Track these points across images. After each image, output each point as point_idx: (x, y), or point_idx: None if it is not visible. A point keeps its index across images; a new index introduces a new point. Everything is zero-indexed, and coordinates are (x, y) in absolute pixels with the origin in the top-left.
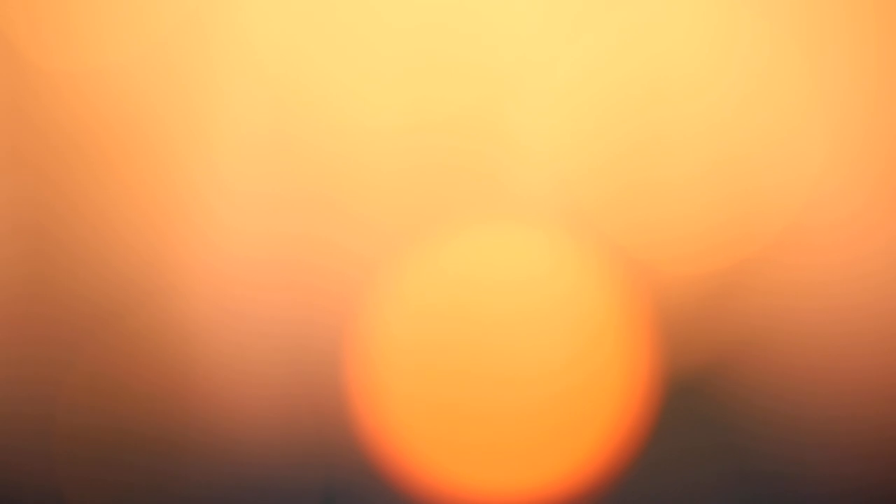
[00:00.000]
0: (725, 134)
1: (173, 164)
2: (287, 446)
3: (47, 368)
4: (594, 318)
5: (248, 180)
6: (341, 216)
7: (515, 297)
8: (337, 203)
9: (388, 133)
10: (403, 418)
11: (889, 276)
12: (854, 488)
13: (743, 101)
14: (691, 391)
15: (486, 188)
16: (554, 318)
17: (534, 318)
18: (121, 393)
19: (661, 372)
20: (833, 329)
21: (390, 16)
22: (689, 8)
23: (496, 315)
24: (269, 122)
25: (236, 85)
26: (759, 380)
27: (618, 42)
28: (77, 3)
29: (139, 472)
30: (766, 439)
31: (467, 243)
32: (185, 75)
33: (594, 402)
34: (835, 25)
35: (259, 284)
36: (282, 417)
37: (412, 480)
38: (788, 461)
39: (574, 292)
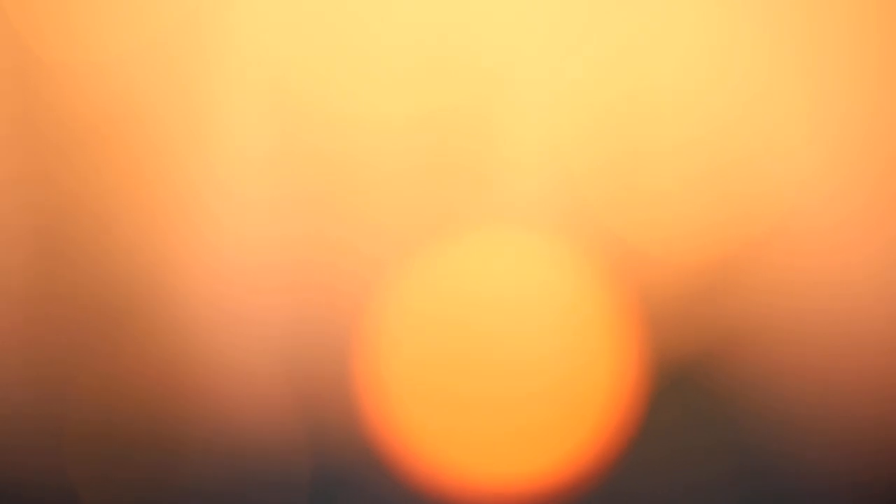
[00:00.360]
0: (716, 138)
1: (178, 163)
2: (293, 442)
3: (56, 368)
4: (590, 315)
5: (251, 181)
6: (344, 215)
7: (512, 296)
8: (339, 202)
9: (387, 134)
10: (404, 412)
11: (881, 275)
12: (846, 484)
13: (736, 107)
14: (684, 386)
15: (484, 188)
16: (550, 316)
17: (530, 316)
18: (131, 392)
19: (654, 368)
20: (825, 328)
21: (393, 21)
22: (686, 17)
23: (493, 314)
24: (271, 121)
25: (238, 82)
26: (752, 375)
27: (615, 50)
28: None
29: (150, 468)
30: (758, 434)
31: (465, 243)
32: (190, 76)
33: (588, 396)
34: (828, 34)
35: (262, 283)
36: (287, 414)
37: (415, 472)
38: (779, 456)
39: (570, 290)
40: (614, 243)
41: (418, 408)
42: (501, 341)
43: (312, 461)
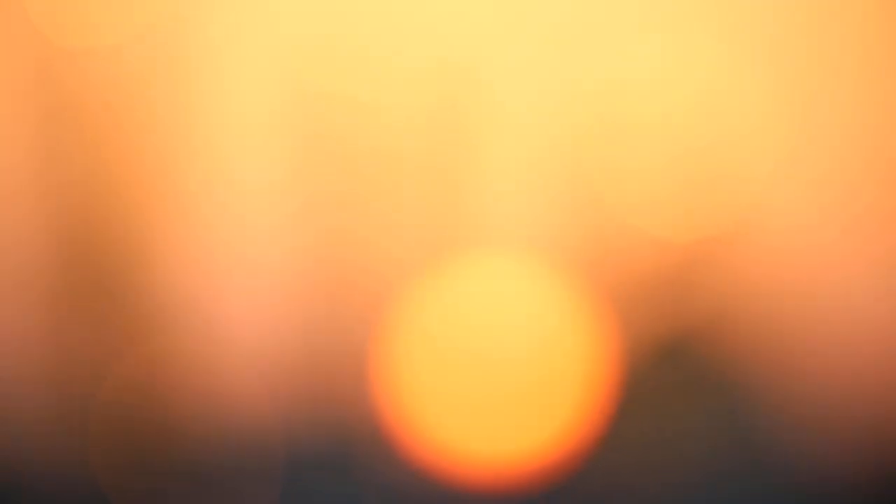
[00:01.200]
0: (701, 136)
1: (179, 166)
2: (307, 439)
3: (73, 368)
4: (578, 309)
5: (252, 180)
6: (344, 215)
7: (506, 293)
8: (339, 202)
9: (387, 134)
10: (410, 400)
11: (861, 273)
12: (835, 479)
13: (725, 112)
14: (667, 375)
15: (475, 189)
16: (542, 312)
17: (524, 312)
18: (153, 391)
19: (636, 363)
20: (807, 321)
21: (396, 27)
22: (672, 26)
23: (488, 311)
24: (272, 122)
25: (239, 81)
26: (743, 371)
27: (603, 59)
28: None
29: (175, 462)
30: (747, 425)
31: (456, 241)
32: (188, 79)
33: (576, 383)
34: (823, 39)
35: (264, 281)
36: (296, 412)
37: (421, 455)
38: (765, 448)
39: (563, 286)
40: (602, 240)
41: (422, 398)
42: (497, 332)
43: (330, 456)
